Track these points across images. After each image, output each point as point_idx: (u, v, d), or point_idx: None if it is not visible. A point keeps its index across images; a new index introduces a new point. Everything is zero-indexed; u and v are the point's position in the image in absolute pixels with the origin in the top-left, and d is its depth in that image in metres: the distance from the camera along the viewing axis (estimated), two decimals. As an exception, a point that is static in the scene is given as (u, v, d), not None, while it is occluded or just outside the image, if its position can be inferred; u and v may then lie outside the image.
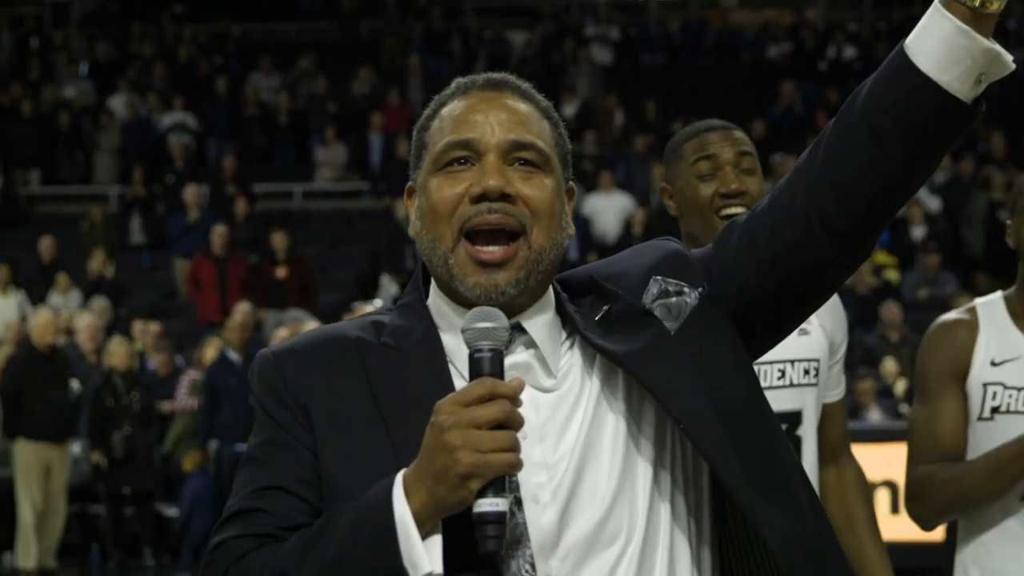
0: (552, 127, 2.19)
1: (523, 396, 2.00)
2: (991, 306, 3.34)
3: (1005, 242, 3.36)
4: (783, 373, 3.32)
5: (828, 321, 3.42)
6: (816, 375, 3.36)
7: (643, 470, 2.08)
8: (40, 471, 11.10)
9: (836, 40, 20.35)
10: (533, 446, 2.04)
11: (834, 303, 3.41)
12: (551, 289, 2.16)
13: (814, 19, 21.84)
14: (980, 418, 3.28)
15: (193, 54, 21.10)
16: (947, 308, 13.88)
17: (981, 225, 15.38)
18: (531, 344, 2.11)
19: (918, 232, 15.61)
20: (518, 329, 2.10)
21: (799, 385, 3.33)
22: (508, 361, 2.05)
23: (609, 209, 16.07)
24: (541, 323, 2.12)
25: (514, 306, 2.09)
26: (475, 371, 1.95)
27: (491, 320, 1.97)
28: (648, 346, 2.08)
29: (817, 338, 3.38)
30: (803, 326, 3.24)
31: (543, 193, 2.11)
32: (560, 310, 2.16)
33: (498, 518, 1.89)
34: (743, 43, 21.24)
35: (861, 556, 3.47)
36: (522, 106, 2.16)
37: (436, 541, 1.92)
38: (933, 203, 16.29)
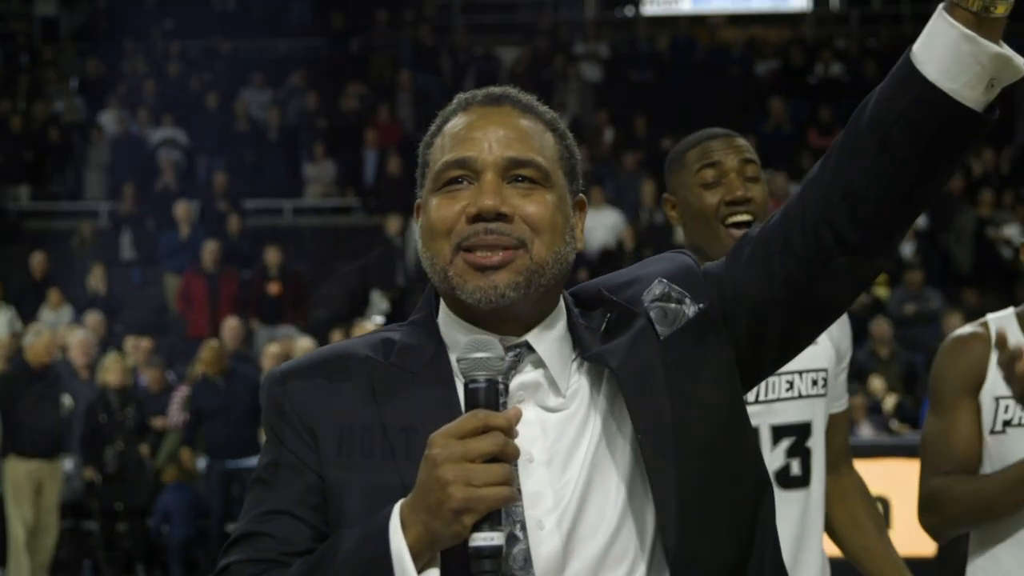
0: (557, 139, 2.18)
1: (531, 417, 2.02)
2: (1003, 322, 3.37)
3: (995, 259, 3.40)
4: (791, 384, 3.31)
5: (834, 330, 3.40)
6: (824, 385, 3.35)
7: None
8: (31, 489, 11.07)
9: (824, 57, 20.42)
10: (539, 469, 2.03)
11: None
12: (561, 306, 2.15)
13: (802, 36, 21.91)
14: (992, 431, 3.31)
15: (183, 70, 21.11)
16: (935, 323, 13.94)
17: (969, 242, 15.43)
18: (540, 363, 2.09)
19: (907, 248, 15.68)
20: (527, 348, 2.09)
21: (808, 396, 3.32)
22: (516, 381, 2.06)
23: (599, 225, 16.09)
24: (550, 341, 2.10)
25: (522, 323, 2.09)
26: (470, 402, 1.93)
27: (487, 350, 1.94)
28: (629, 343, 2.07)
29: (824, 347, 3.37)
30: None
31: (542, 209, 2.09)
32: (571, 327, 2.14)
33: (494, 552, 1.88)
34: (731, 60, 21.30)
35: (870, 552, 3.48)
36: (522, 121, 2.15)
37: (433, 574, 1.92)
38: (920, 219, 16.34)
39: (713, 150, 3.36)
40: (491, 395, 1.93)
